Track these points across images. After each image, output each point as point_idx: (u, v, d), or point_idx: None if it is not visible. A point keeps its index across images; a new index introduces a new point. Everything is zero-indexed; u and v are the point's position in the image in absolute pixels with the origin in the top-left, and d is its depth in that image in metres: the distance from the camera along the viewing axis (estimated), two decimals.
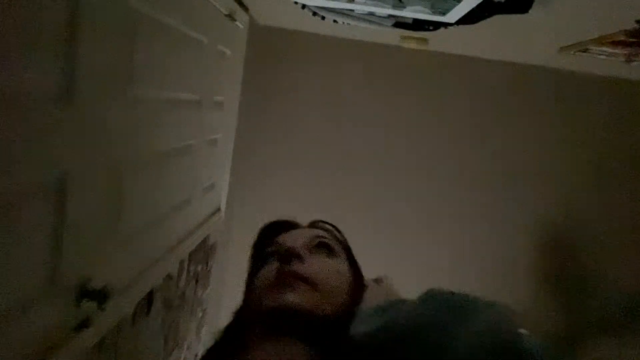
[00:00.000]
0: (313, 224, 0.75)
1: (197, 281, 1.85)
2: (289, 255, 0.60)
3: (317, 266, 0.60)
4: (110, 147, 0.89)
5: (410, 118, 2.39)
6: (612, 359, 2.38)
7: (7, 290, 0.67)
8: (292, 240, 0.66)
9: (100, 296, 0.87)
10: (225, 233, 2.18)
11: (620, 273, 2.37)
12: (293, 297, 0.55)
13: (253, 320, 0.60)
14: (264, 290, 0.59)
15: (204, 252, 1.88)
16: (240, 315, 0.67)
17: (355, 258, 0.71)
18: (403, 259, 2.39)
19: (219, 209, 1.96)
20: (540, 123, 2.35)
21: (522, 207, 2.40)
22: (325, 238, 0.67)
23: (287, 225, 0.73)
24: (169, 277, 1.48)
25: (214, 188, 1.82)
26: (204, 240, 1.81)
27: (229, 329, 0.67)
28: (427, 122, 2.39)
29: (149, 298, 1.33)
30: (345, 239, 0.74)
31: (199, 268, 1.86)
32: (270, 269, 0.61)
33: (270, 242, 0.69)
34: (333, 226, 0.75)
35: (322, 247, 0.65)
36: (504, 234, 2.41)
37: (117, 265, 1.01)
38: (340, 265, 0.64)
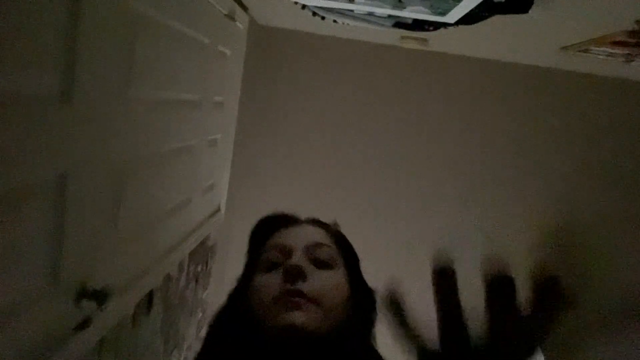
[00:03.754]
0: (312, 221, 0.73)
1: (197, 281, 1.85)
2: (292, 274, 0.59)
3: (319, 283, 0.60)
4: (110, 147, 0.89)
5: (410, 118, 2.39)
6: (612, 359, 2.38)
7: (7, 290, 0.67)
8: (292, 240, 0.65)
9: (100, 296, 0.87)
10: (225, 233, 2.18)
11: (621, 273, 2.37)
12: (300, 317, 0.55)
13: (253, 333, 0.59)
14: (267, 305, 0.59)
15: (204, 252, 1.88)
16: (235, 300, 0.66)
17: (358, 260, 0.71)
18: (402, 258, 2.39)
19: (219, 209, 1.96)
20: (540, 123, 2.35)
21: (522, 206, 2.40)
22: (324, 245, 0.66)
23: (284, 220, 0.72)
24: (168, 277, 1.48)
25: (214, 188, 1.82)
26: (204, 240, 1.81)
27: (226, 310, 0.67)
28: (427, 122, 2.39)
29: (149, 298, 1.33)
30: (344, 237, 0.73)
31: (199, 268, 1.86)
32: (274, 281, 0.60)
33: (268, 239, 0.68)
34: (333, 224, 0.74)
35: (322, 256, 0.64)
36: (504, 234, 2.40)
37: (117, 265, 1.01)
38: (339, 277, 0.64)
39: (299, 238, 0.66)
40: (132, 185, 1.02)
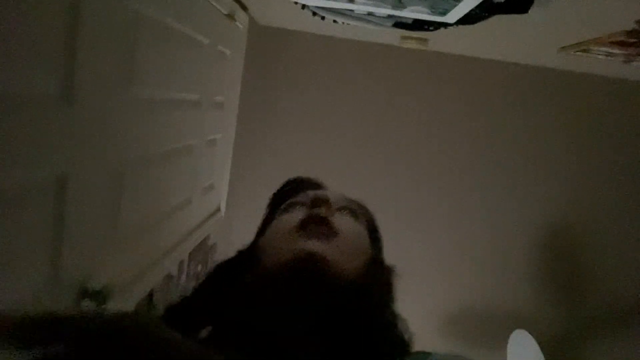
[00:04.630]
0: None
1: (197, 281, 1.84)
2: (319, 202, 0.56)
3: (343, 220, 0.56)
4: (110, 147, 0.89)
5: (410, 118, 2.39)
6: (612, 359, 2.38)
7: (8, 290, 0.67)
8: (321, 194, 0.61)
9: (100, 296, 0.87)
10: (225, 233, 2.18)
11: (621, 273, 2.37)
12: (320, 246, 0.50)
13: (265, 268, 0.52)
14: (285, 235, 0.53)
15: (204, 252, 1.88)
16: (246, 254, 0.60)
17: (380, 238, 0.67)
18: (402, 257, 2.38)
19: (219, 209, 1.96)
20: (540, 123, 2.35)
21: (522, 206, 2.40)
22: (353, 203, 0.64)
23: (313, 184, 0.70)
24: (169, 277, 1.48)
25: (214, 188, 1.82)
26: (204, 240, 1.81)
27: (231, 262, 0.61)
28: (427, 122, 2.39)
29: (149, 298, 1.33)
30: (371, 215, 0.69)
31: (199, 268, 1.86)
32: (296, 215, 0.56)
33: (296, 194, 0.64)
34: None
35: (347, 210, 0.60)
36: (505, 233, 2.41)
37: (117, 265, 1.01)
38: (362, 231, 0.60)
39: (327, 194, 0.62)
40: (132, 185, 1.02)
